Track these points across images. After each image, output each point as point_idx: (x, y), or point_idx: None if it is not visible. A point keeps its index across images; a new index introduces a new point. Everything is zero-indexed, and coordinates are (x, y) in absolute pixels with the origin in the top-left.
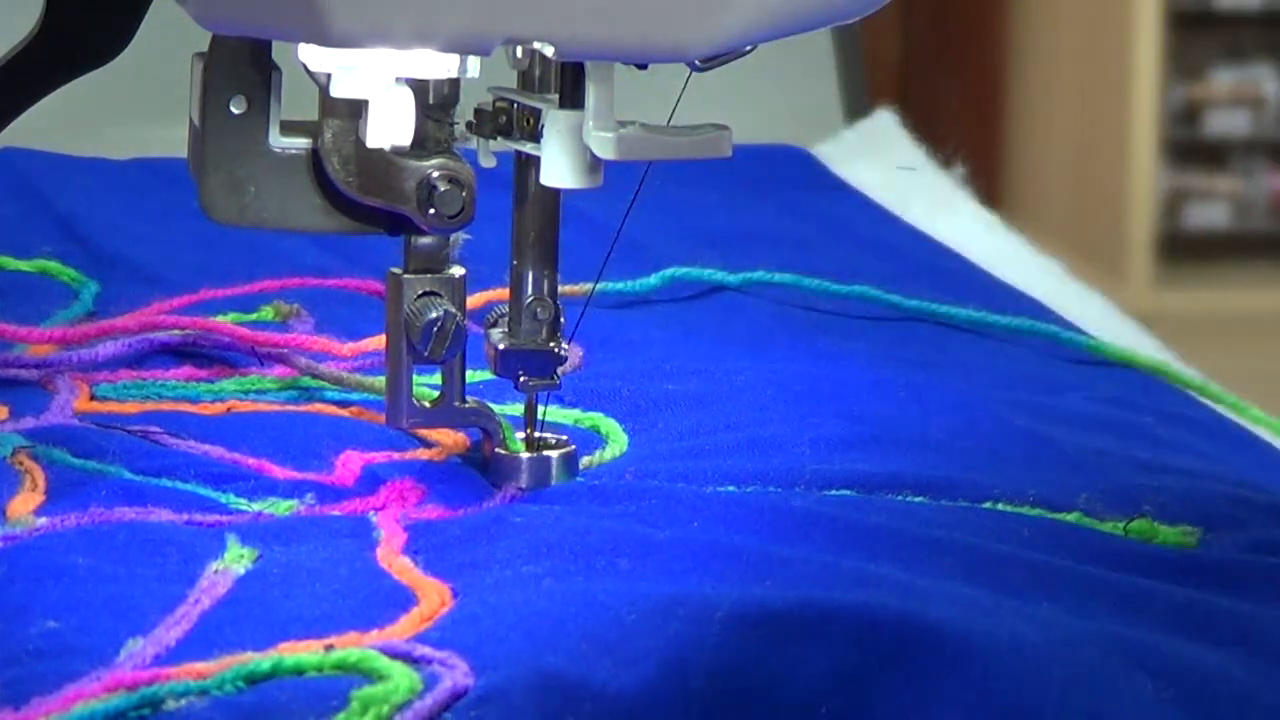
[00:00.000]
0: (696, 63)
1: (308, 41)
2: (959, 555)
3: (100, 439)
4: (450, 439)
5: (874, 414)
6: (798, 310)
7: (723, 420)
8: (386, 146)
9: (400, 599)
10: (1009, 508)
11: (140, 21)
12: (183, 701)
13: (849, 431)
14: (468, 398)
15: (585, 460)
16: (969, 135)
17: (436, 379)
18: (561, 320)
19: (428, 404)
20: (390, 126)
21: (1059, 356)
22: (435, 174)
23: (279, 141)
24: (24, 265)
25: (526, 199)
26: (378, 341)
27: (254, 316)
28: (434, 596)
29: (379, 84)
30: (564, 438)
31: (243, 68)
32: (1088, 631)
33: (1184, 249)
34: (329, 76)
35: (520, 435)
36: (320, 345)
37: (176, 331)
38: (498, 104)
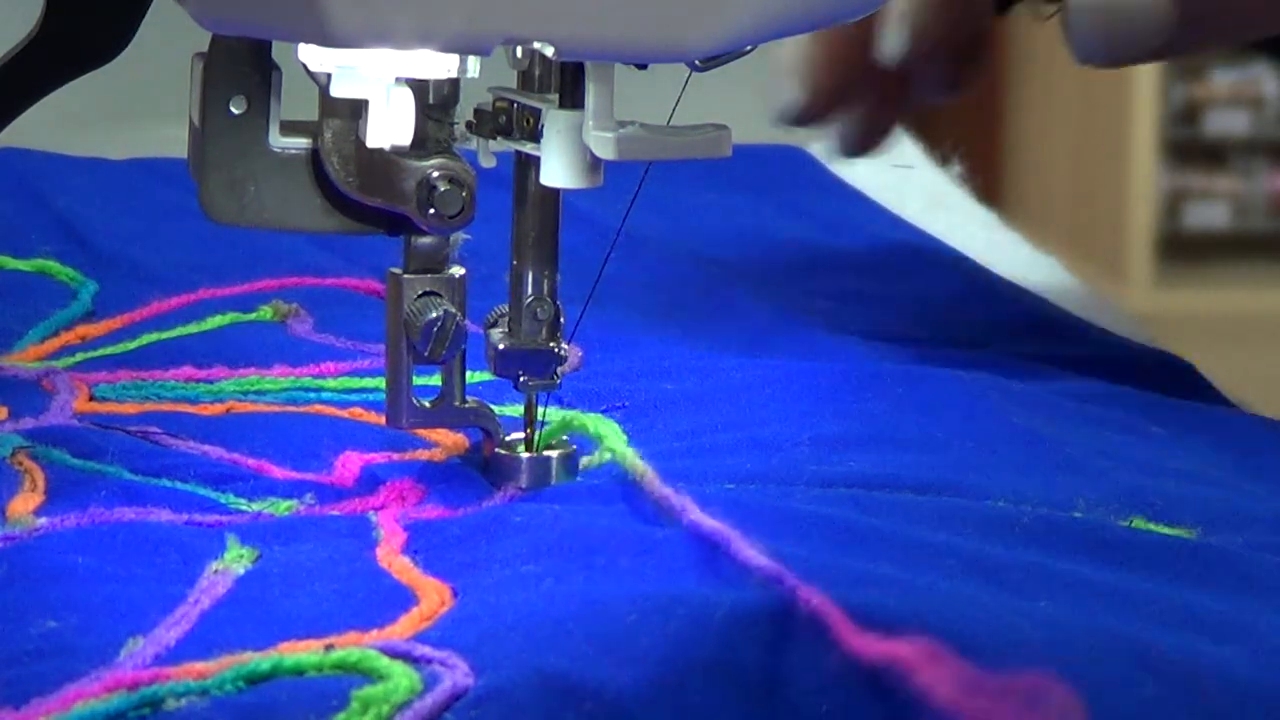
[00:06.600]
0: (696, 63)
1: (308, 41)
2: (959, 555)
3: (100, 439)
4: (450, 439)
5: (873, 412)
6: (797, 310)
7: (722, 420)
8: (386, 146)
9: (400, 599)
10: (1007, 505)
11: (140, 21)
12: (183, 701)
13: (848, 430)
14: (468, 398)
15: (585, 460)
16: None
17: (437, 380)
18: (561, 320)
19: (428, 404)
20: (390, 126)
21: (1059, 354)
22: (435, 174)
23: (279, 141)
24: (22, 265)
25: (526, 199)
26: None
27: (252, 316)
28: (434, 596)
29: (379, 84)
30: (564, 438)
31: (243, 68)
32: (1088, 629)
33: (1184, 249)
34: (329, 76)
35: (520, 435)
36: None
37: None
38: (498, 104)
